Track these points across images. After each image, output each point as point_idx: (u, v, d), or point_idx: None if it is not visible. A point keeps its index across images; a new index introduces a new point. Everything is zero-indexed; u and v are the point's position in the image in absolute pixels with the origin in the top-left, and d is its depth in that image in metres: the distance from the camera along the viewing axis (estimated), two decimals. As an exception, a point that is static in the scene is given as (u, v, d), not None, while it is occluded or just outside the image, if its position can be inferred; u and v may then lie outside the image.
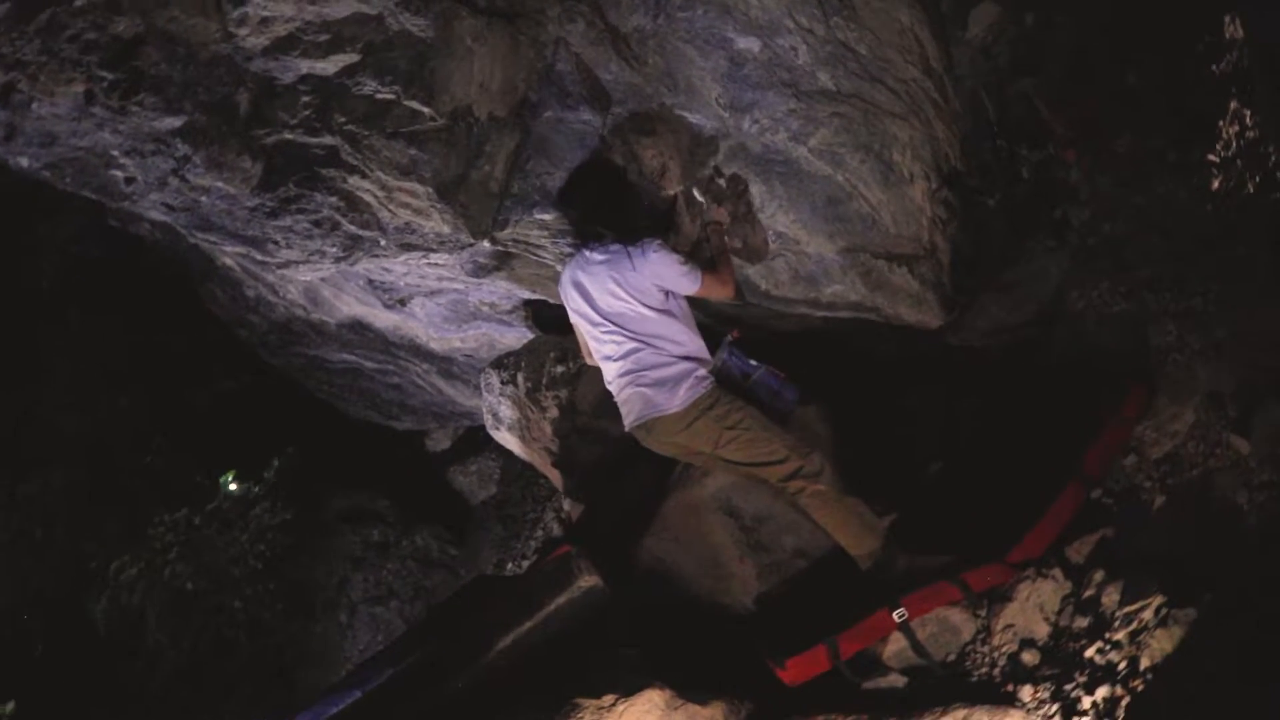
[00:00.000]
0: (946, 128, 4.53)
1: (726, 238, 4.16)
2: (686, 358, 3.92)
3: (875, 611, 3.48)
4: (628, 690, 3.68)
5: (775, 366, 4.07)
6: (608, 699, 3.67)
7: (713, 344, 4.08)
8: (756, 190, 4.19)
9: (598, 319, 3.95)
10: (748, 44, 4.21)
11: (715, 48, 4.17)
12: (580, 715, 3.59)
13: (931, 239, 4.35)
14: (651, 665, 3.87)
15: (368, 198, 3.88)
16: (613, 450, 4.90)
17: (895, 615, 3.46)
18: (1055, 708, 3.01)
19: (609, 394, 4.17)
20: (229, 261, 6.03)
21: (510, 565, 6.29)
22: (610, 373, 4.03)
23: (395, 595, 6.87)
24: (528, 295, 5.20)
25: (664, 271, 3.84)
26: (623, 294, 3.87)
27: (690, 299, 4.07)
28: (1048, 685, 3.11)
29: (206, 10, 3.61)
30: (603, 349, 4.00)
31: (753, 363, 4.03)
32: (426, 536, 7.13)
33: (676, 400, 3.84)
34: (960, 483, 4.09)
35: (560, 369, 5.15)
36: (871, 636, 3.50)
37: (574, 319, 4.10)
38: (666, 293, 3.90)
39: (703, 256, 4.14)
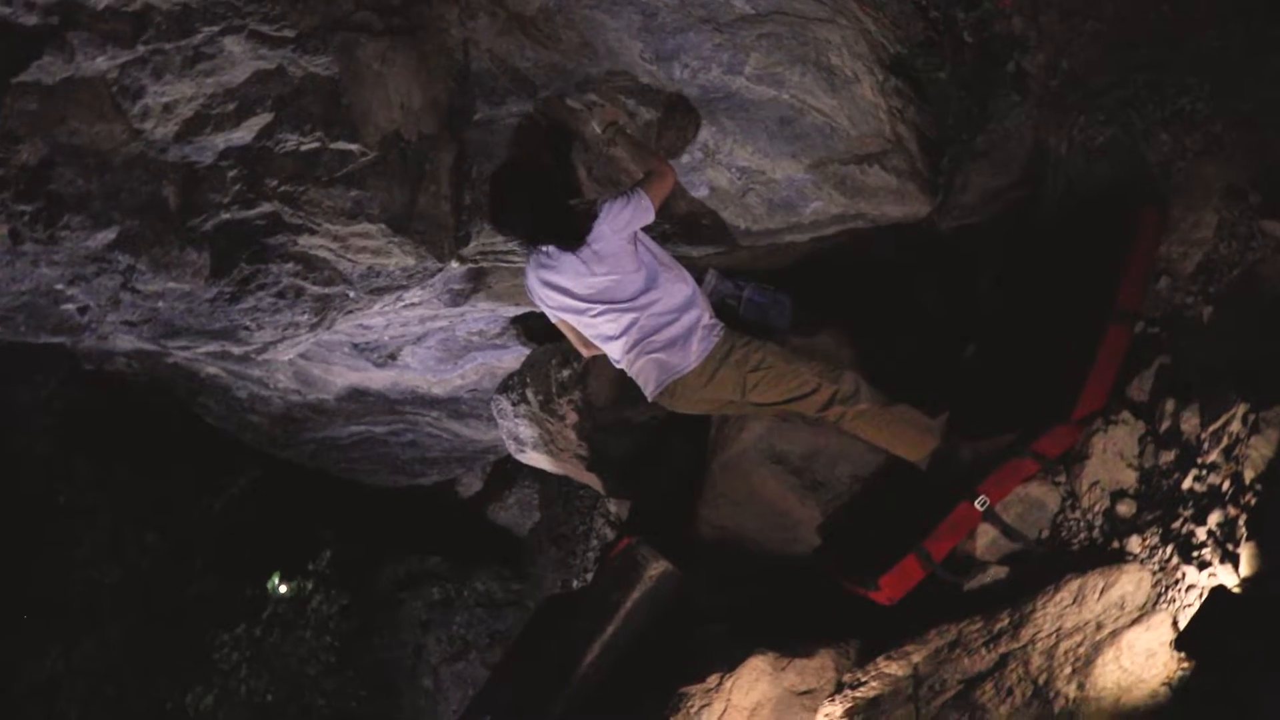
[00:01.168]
0: (875, 18, 4.33)
1: (631, 133, 3.91)
2: (686, 308, 3.69)
3: (956, 507, 3.27)
4: (730, 665, 3.50)
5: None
6: (713, 679, 3.48)
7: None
8: (707, 133, 4.00)
9: (583, 304, 3.70)
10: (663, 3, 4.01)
11: (623, 5, 3.96)
12: (691, 703, 3.40)
13: (894, 130, 4.15)
14: (746, 634, 3.68)
15: (323, 253, 3.68)
16: (641, 435, 4.72)
17: (977, 504, 3.25)
18: (1169, 550, 2.81)
19: (620, 378, 3.97)
20: (212, 370, 5.82)
21: (575, 582, 6.10)
22: (616, 351, 3.78)
23: (472, 646, 6.67)
24: (512, 312, 5.01)
25: (618, 223, 3.58)
26: (598, 269, 3.62)
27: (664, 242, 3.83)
28: (1153, 530, 2.91)
29: (105, 114, 3.41)
30: (601, 330, 3.75)
31: (740, 282, 3.83)
32: (486, 580, 6.93)
33: (691, 356, 3.61)
34: (1000, 359, 3.89)
35: (566, 373, 4.96)
36: (959, 533, 3.29)
37: (557, 317, 3.85)
38: (635, 244, 3.64)
39: (634, 175, 3.87)
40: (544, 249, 3.66)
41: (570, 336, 3.95)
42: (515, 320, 5.24)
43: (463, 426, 6.33)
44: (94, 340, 5.37)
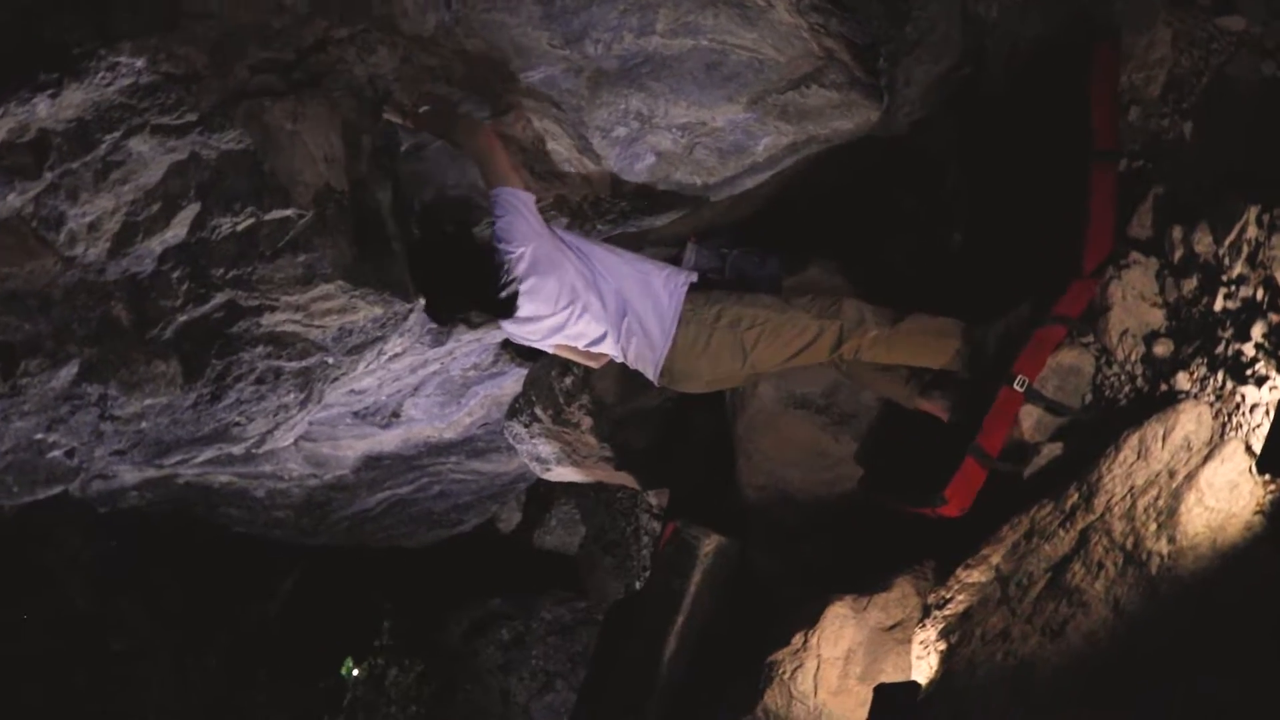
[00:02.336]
0: (770, -60, 4.17)
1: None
2: (648, 274, 3.52)
3: (997, 395, 3.10)
4: (811, 620, 3.35)
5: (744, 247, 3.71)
6: (797, 639, 3.34)
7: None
8: (638, 100, 3.84)
9: (560, 321, 3.50)
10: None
11: (520, 0, 3.81)
12: (782, 669, 3.26)
13: (821, 46, 3.98)
14: (818, 586, 3.53)
15: (290, 327, 3.54)
16: (659, 421, 4.58)
17: (1017, 386, 3.08)
18: (1220, 376, 2.65)
19: (623, 370, 3.81)
20: (224, 478, 5.69)
21: (636, 583, 5.96)
22: (611, 347, 3.60)
23: (555, 676, 6.53)
24: (499, 337, 4.87)
25: (517, 236, 3.30)
26: (545, 281, 3.40)
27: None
28: (1198, 361, 2.75)
29: (33, 251, 3.26)
30: (587, 334, 3.57)
31: (722, 250, 3.65)
32: (551, 607, 6.79)
33: (669, 315, 3.43)
34: (992, 238, 3.73)
35: (569, 380, 4.81)
36: (1006, 420, 3.13)
37: (551, 345, 3.67)
38: (557, 239, 3.43)
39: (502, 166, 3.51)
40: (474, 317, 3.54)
41: (573, 356, 3.78)
42: (505, 344, 5.09)
43: (484, 463, 6.18)
44: (99, 483, 5.27)
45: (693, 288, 3.49)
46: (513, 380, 5.41)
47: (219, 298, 3.43)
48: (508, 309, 3.37)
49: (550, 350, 3.69)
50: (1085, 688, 2.46)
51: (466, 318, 3.56)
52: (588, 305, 3.47)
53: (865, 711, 3.05)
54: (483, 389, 5.44)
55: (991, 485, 3.16)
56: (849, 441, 3.79)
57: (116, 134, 3.18)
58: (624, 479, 5.05)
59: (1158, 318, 2.94)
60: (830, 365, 3.55)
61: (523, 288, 3.34)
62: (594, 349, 3.65)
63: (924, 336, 3.41)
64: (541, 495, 7.11)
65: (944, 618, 2.96)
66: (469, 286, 3.41)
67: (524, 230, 3.31)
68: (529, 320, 3.49)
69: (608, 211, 3.96)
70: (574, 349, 3.68)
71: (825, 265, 4.12)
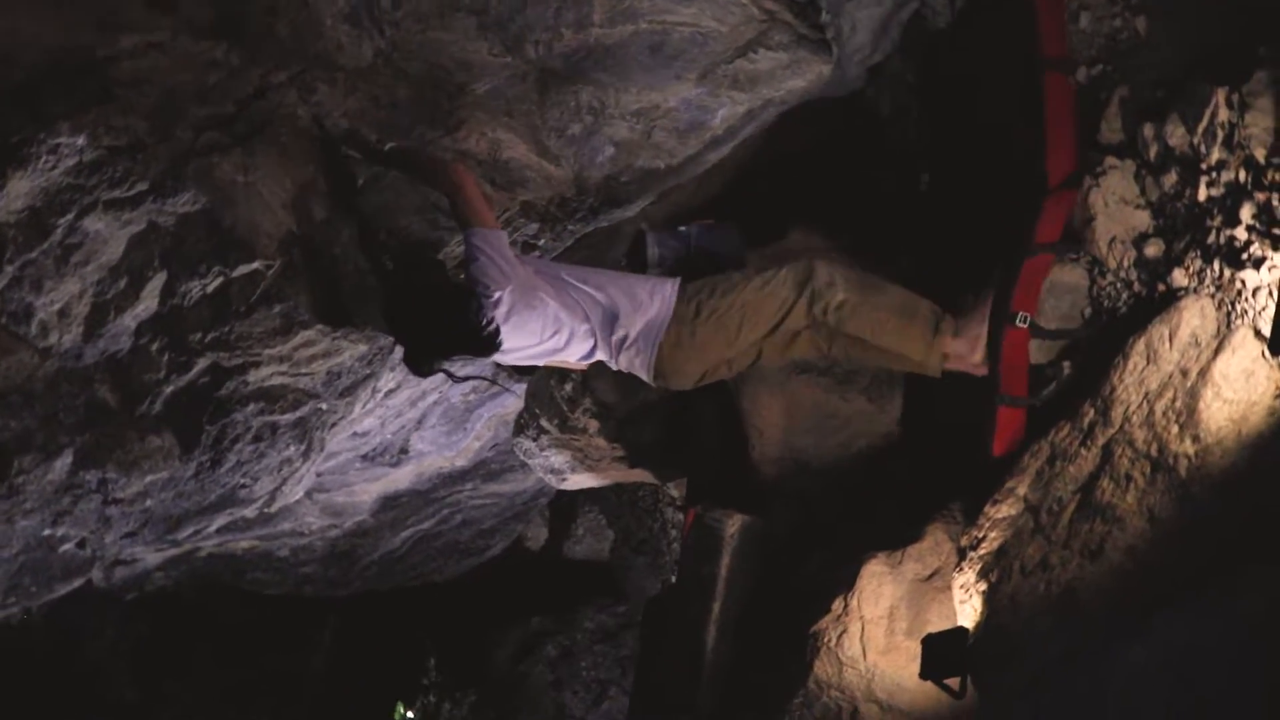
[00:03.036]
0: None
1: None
2: (633, 286, 3.42)
3: (1004, 338, 3.02)
4: (847, 584, 3.28)
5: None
6: (838, 605, 3.27)
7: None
8: (587, 94, 3.78)
9: (547, 348, 3.41)
10: (475, -10, 3.79)
11: (450, 13, 3.74)
12: (827, 637, 3.19)
13: (761, 8, 3.91)
14: (849, 548, 3.46)
15: (277, 380, 3.48)
16: (665, 412, 4.52)
17: (1019, 323, 3.00)
18: (1216, 265, 2.58)
19: (619, 375, 3.73)
20: (244, 544, 5.63)
21: (672, 577, 5.88)
22: (604, 356, 3.49)
23: (608, 683, 6.46)
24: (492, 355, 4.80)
25: (493, 276, 3.18)
26: (526, 321, 3.29)
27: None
28: (1191, 255, 2.68)
29: (6, 347, 3.21)
30: (579, 353, 3.47)
31: (680, 230, 3.57)
32: (592, 616, 6.72)
33: (658, 323, 3.33)
34: (960, 174, 3.66)
35: (568, 387, 4.75)
36: (1022, 357, 3.05)
37: (543, 362, 3.60)
38: (533, 274, 3.32)
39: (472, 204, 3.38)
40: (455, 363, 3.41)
41: (563, 366, 3.72)
42: (498, 364, 5.03)
43: (501, 485, 6.12)
44: (121, 570, 5.22)
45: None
46: (514, 398, 5.34)
47: (201, 363, 3.38)
48: (490, 346, 3.27)
49: (541, 364, 3.63)
50: (1133, 602, 2.39)
51: (448, 370, 3.42)
52: (574, 331, 3.38)
53: (917, 665, 2.99)
54: (486, 411, 5.38)
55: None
56: (856, 398, 3.73)
57: (70, 216, 3.13)
58: (640, 475, 4.99)
59: (1143, 219, 2.87)
60: (817, 344, 3.43)
61: (505, 327, 3.25)
62: (584, 362, 3.59)
63: (888, 314, 3.22)
64: (564, 507, 7.05)
65: (980, 558, 2.89)
66: (446, 332, 3.27)
67: (497, 275, 3.21)
68: (515, 350, 3.40)
69: (576, 210, 3.89)
70: (566, 363, 3.61)
71: (804, 228, 4.07)
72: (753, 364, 3.45)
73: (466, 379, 3.38)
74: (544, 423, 4.83)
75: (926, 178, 3.82)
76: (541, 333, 3.35)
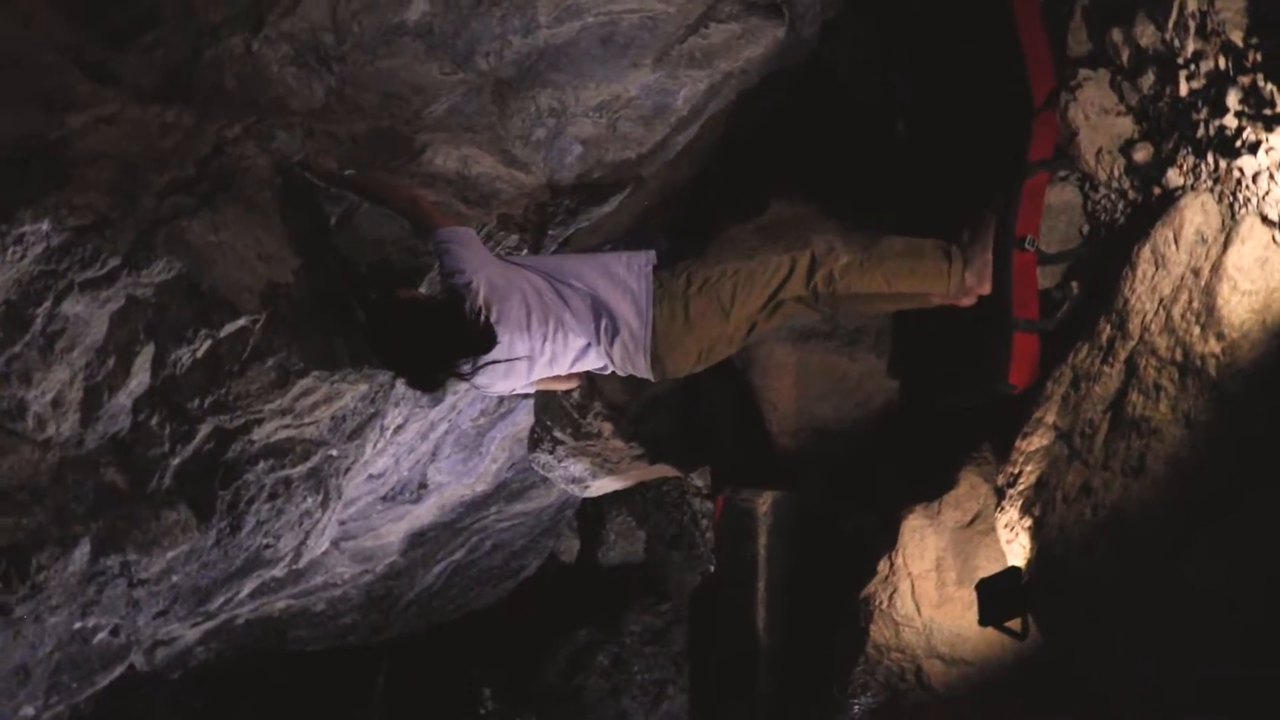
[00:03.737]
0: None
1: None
2: (608, 264, 3.27)
3: (1012, 265, 2.95)
4: (889, 543, 3.21)
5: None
6: (883, 566, 3.19)
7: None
8: (546, 97, 3.71)
9: (537, 346, 3.22)
10: (414, 12, 3.71)
11: (398, 40, 3.67)
12: (878, 600, 3.12)
13: (707, -20, 3.85)
14: (885, 509, 3.39)
15: (283, 433, 3.41)
16: (675, 402, 4.45)
17: (1027, 246, 2.93)
18: (1210, 157, 2.51)
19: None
20: (280, 604, 5.57)
21: (710, 567, 5.81)
22: (596, 360, 3.32)
23: (665, 682, 6.39)
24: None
25: (459, 262, 3.07)
26: (509, 308, 3.15)
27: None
28: (1183, 152, 2.60)
29: (6, 447, 3.13)
30: (570, 348, 3.27)
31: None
32: (637, 618, 6.65)
33: (643, 298, 3.18)
34: (935, 114, 3.59)
35: (575, 395, 4.67)
36: (1032, 285, 2.99)
37: (529, 385, 3.43)
38: (507, 263, 3.22)
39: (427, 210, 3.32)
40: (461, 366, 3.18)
41: (551, 386, 3.57)
42: (504, 382, 4.96)
43: (525, 504, 6.06)
44: (162, 651, 5.15)
45: (656, 265, 3.29)
46: (524, 414, 5.28)
47: (204, 429, 3.31)
48: (488, 339, 3.09)
49: (532, 390, 3.48)
50: (1184, 512, 2.32)
51: (455, 371, 3.31)
52: (560, 320, 3.22)
53: (974, 613, 2.91)
54: (498, 432, 5.31)
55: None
56: (866, 356, 3.65)
57: (47, 303, 3.06)
58: (662, 471, 4.92)
59: (1127, 125, 2.79)
60: (813, 310, 3.34)
61: (491, 316, 3.09)
62: (578, 366, 3.38)
63: (898, 261, 3.16)
64: (591, 515, 6.97)
65: (1020, 494, 2.81)
66: (441, 337, 3.10)
67: (470, 259, 3.11)
68: (508, 361, 3.22)
69: (554, 214, 3.83)
70: (554, 378, 3.46)
71: (785, 195, 3.99)
72: (748, 336, 3.34)
73: (478, 372, 3.17)
74: (557, 434, 4.76)
75: (902, 125, 3.74)
76: (526, 325, 3.17)
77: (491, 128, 3.71)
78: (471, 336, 3.08)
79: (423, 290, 3.75)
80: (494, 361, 3.19)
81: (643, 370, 3.26)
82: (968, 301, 3.15)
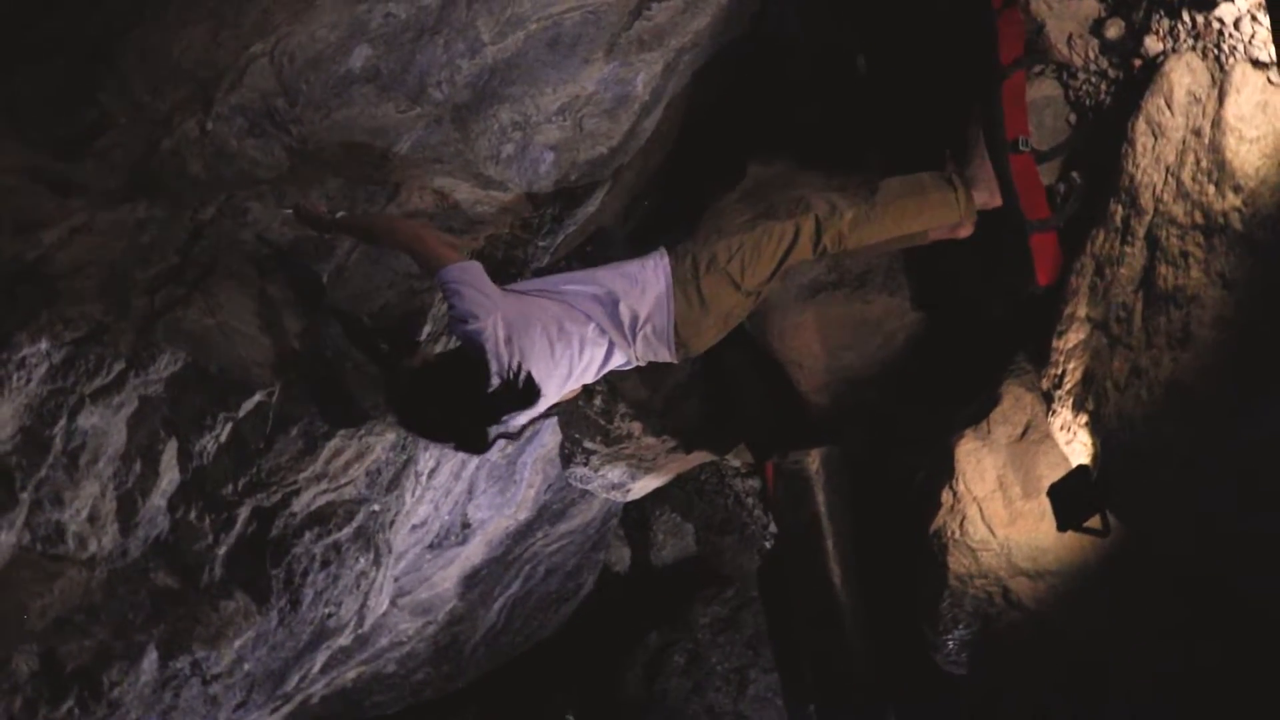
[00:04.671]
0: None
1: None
2: (621, 266, 3.22)
3: (1012, 170, 2.89)
4: (946, 472, 3.17)
5: None
6: (945, 496, 3.15)
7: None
8: (506, 112, 3.66)
9: (567, 369, 3.13)
10: (358, 59, 3.67)
11: (344, 89, 3.62)
12: (949, 531, 3.07)
13: (641, -41, 3.80)
14: (933, 440, 3.33)
15: (323, 499, 3.37)
16: (699, 386, 4.40)
17: (1021, 148, 2.88)
18: (1186, 15, 2.47)
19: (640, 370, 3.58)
20: (350, 675, 5.48)
21: (766, 544, 5.76)
22: (619, 360, 3.25)
23: (746, 668, 6.28)
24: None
25: (473, 309, 2.91)
26: (531, 342, 3.02)
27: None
28: (1156, 17, 2.56)
29: (50, 573, 3.09)
30: (595, 359, 3.20)
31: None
32: (703, 611, 6.55)
33: (663, 289, 3.13)
34: (893, 43, 3.54)
35: (598, 401, 4.62)
36: (1036, 185, 2.94)
37: (560, 399, 3.34)
38: (516, 294, 3.11)
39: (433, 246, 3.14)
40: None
41: (567, 396, 3.49)
42: (525, 406, 4.91)
43: (570, 523, 5.98)
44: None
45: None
46: (549, 434, 5.21)
47: (243, 512, 3.25)
48: (531, 394, 2.96)
49: (562, 397, 3.38)
50: (1242, 369, 2.26)
51: (506, 433, 3.15)
52: (582, 336, 3.13)
53: (1049, 522, 2.85)
54: (529, 456, 5.24)
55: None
56: (879, 296, 3.60)
57: (63, 421, 3.01)
58: (699, 457, 4.87)
59: (1092, 5, 2.75)
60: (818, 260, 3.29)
61: (515, 358, 2.95)
62: (605, 371, 3.30)
63: (903, 201, 3.08)
64: (636, 520, 6.88)
65: (1068, 393, 2.76)
66: (480, 400, 2.94)
67: (483, 301, 2.95)
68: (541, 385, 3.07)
69: (540, 225, 3.78)
70: (579, 388, 3.38)
71: (760, 160, 3.95)
72: (759, 299, 3.27)
73: (523, 431, 3.08)
74: (588, 444, 4.71)
75: (861, 60, 3.70)
76: (552, 353, 3.09)
77: (460, 154, 3.66)
78: (511, 397, 2.95)
79: (427, 341, 3.68)
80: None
81: (666, 356, 3.21)
82: (965, 232, 3.11)
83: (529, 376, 2.93)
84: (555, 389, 3.15)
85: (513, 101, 3.68)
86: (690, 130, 4.35)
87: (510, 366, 2.93)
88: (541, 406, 3.19)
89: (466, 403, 2.92)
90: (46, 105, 3.47)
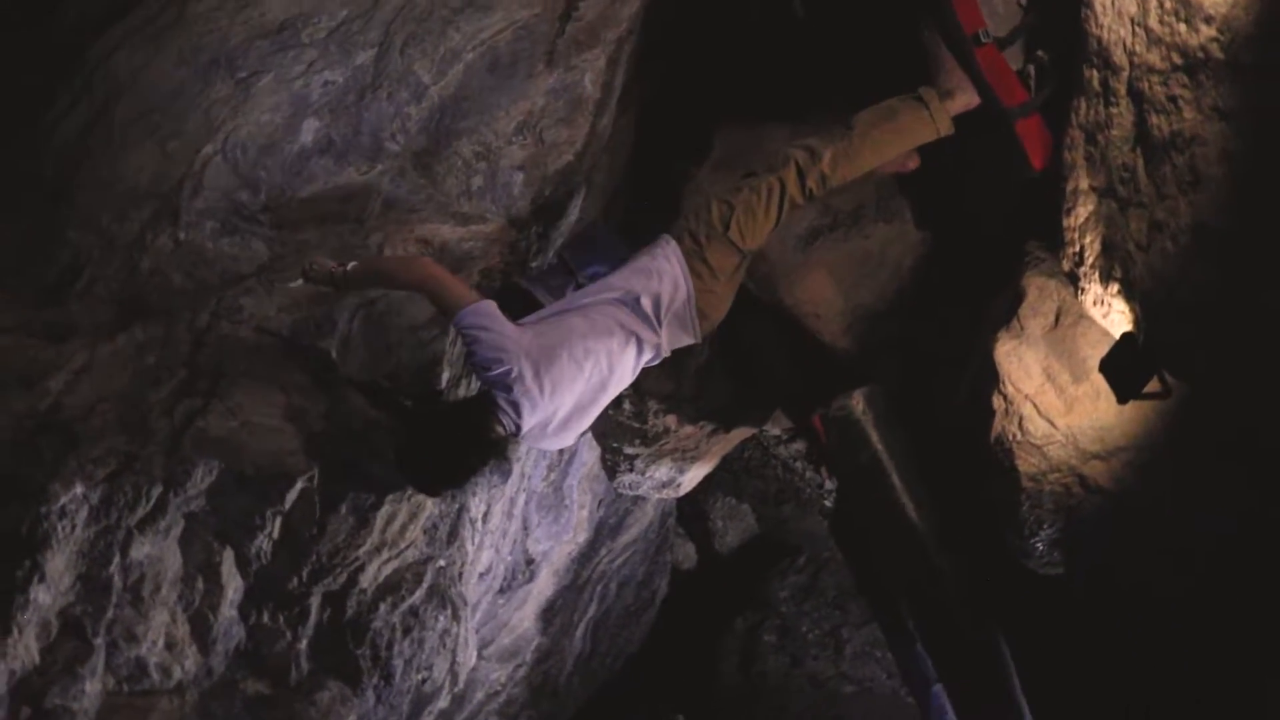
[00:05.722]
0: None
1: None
2: (634, 264, 3.17)
3: (975, 60, 2.86)
4: (991, 378, 3.13)
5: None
6: (997, 402, 3.13)
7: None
8: (468, 147, 3.64)
9: (594, 381, 3.05)
10: (308, 133, 3.65)
11: (303, 166, 3.62)
12: (1010, 435, 3.02)
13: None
14: (968, 348, 3.29)
15: (389, 568, 3.36)
16: (721, 363, 4.35)
17: (984, 40, 2.85)
18: None
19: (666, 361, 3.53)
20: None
21: (826, 501, 5.71)
22: (647, 355, 3.17)
23: (838, 628, 6.24)
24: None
25: (497, 351, 2.86)
26: (559, 369, 2.94)
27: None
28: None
29: (143, 708, 3.06)
30: (626, 363, 3.10)
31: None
32: (782, 583, 6.51)
33: (680, 273, 3.10)
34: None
35: (627, 406, 4.58)
36: (1006, 73, 2.91)
37: (602, 407, 3.23)
38: (534, 327, 3.05)
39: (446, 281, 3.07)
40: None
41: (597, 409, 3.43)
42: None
43: (629, 533, 5.95)
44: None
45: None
46: (587, 451, 5.18)
47: (314, 601, 3.22)
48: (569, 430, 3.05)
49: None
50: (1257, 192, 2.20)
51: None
52: (609, 350, 3.05)
53: (1106, 400, 2.80)
54: (573, 479, 5.21)
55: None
56: (876, 227, 3.57)
57: (117, 559, 2.98)
58: (740, 433, 4.82)
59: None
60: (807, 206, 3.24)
61: (545, 388, 2.91)
62: (638, 373, 3.22)
63: (879, 130, 3.08)
64: (691, 514, 6.84)
65: (1092, 267, 2.70)
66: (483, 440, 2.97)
67: (504, 345, 2.88)
68: (571, 409, 3.07)
69: (528, 246, 3.74)
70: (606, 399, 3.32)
71: (726, 127, 3.91)
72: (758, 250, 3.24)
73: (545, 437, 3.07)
74: (628, 450, 4.67)
75: (798, 4, 3.66)
76: (581, 370, 2.99)
77: (432, 198, 3.63)
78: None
79: (449, 388, 3.63)
80: (556, 422, 3.06)
81: (688, 338, 3.17)
82: (945, 130, 3.07)
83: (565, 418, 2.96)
84: (593, 408, 3.11)
85: (469, 134, 3.65)
86: (649, 117, 4.32)
87: (545, 404, 2.90)
88: (585, 424, 3.17)
89: (474, 443, 2.93)
90: (20, 255, 3.46)
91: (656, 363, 3.26)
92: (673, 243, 3.13)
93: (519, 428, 2.91)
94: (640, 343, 3.09)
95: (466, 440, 2.94)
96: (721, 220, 3.07)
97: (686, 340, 3.21)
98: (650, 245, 3.19)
